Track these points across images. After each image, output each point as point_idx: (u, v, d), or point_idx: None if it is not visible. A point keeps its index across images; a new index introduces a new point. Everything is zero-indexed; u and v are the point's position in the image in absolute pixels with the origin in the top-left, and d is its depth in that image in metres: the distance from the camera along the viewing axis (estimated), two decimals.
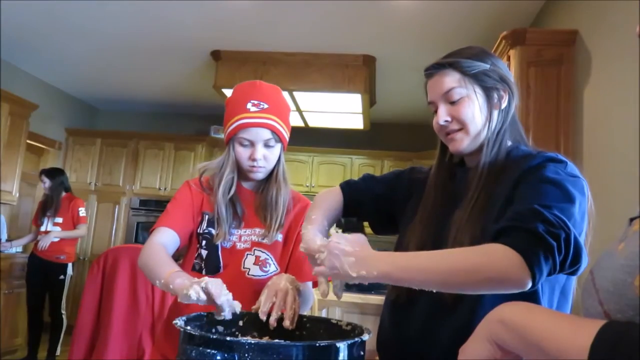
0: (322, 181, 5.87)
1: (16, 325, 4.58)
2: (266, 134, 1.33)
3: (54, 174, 4.52)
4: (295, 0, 3.45)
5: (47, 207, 4.42)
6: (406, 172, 1.27)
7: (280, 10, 3.61)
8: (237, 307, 1.04)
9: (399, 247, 1.15)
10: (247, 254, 1.37)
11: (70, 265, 4.47)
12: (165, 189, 5.88)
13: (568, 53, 2.70)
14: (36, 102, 4.96)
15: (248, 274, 1.36)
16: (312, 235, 1.05)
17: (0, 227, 4.73)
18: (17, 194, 4.86)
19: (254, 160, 1.34)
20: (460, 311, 0.96)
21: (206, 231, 1.36)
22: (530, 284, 0.82)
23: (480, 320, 0.68)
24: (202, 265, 1.36)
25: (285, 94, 4.28)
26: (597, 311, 0.59)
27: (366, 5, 3.46)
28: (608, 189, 2.17)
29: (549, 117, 2.65)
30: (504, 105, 1.07)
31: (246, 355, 0.78)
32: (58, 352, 4.36)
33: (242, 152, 1.35)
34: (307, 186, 5.84)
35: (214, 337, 0.83)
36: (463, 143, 1.06)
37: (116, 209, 5.92)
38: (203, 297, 1.00)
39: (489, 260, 0.83)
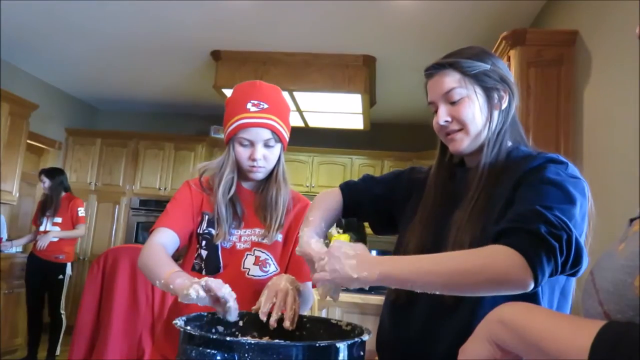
0: (322, 181, 5.87)
1: (16, 325, 4.58)
2: (266, 134, 1.33)
3: (54, 173, 4.52)
4: (295, 0, 3.45)
5: (47, 207, 4.42)
6: (406, 172, 1.28)
7: (280, 10, 3.61)
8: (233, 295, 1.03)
9: (399, 246, 1.14)
10: (247, 254, 1.37)
11: (69, 265, 4.47)
12: (165, 189, 5.88)
13: (568, 53, 2.70)
14: (36, 102, 4.96)
15: (248, 274, 1.36)
16: (307, 238, 1.06)
17: (0, 226, 4.72)
18: (17, 194, 4.86)
19: (253, 160, 1.34)
20: (460, 312, 0.96)
21: (206, 231, 1.36)
22: (532, 285, 0.82)
23: (480, 320, 0.67)
24: (202, 265, 1.36)
25: (285, 94, 4.28)
26: (597, 311, 0.59)
27: (366, 5, 3.46)
28: (608, 189, 2.17)
29: (549, 118, 2.65)
30: (504, 105, 1.07)
31: (246, 355, 0.78)
32: (58, 352, 4.36)
33: (242, 152, 1.35)
34: (307, 186, 5.84)
35: (214, 337, 0.83)
36: (463, 143, 1.06)
37: (116, 209, 5.92)
38: (203, 294, 1.00)
39: (492, 261, 0.83)
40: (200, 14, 3.74)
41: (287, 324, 1.08)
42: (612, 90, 2.32)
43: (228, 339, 0.81)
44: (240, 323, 1.09)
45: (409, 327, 1.04)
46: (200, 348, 0.82)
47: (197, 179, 1.42)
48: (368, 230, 1.37)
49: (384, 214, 1.26)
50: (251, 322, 1.10)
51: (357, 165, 5.90)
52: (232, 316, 1.03)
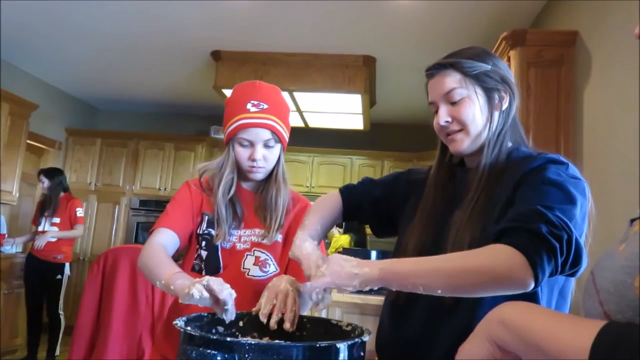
0: (322, 182, 5.86)
1: (16, 325, 4.58)
2: (266, 134, 1.33)
3: (53, 174, 4.52)
4: (295, 0, 3.45)
5: (46, 207, 4.42)
6: (404, 173, 1.28)
7: (280, 10, 3.61)
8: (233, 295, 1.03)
9: (399, 247, 1.14)
10: (247, 255, 1.37)
11: (67, 265, 4.47)
12: (165, 189, 5.88)
13: (568, 54, 2.70)
14: (36, 102, 4.96)
15: (248, 274, 1.36)
16: (300, 241, 1.07)
17: (0, 226, 4.73)
18: (17, 194, 4.86)
19: (253, 160, 1.34)
20: (460, 312, 0.96)
21: (206, 232, 1.36)
22: (532, 285, 0.82)
23: (479, 321, 0.67)
24: (202, 266, 1.36)
25: (286, 95, 4.28)
26: (597, 312, 0.59)
27: (366, 6, 3.46)
28: (608, 189, 2.17)
29: (549, 118, 2.65)
30: (504, 106, 1.07)
31: (246, 355, 0.78)
32: (57, 352, 4.36)
33: (242, 153, 1.35)
34: (307, 186, 5.84)
35: (214, 337, 0.83)
36: (463, 144, 1.06)
37: (116, 209, 5.92)
38: (206, 295, 1.00)
39: (493, 260, 0.83)
40: (200, 14, 3.74)
41: (287, 325, 1.08)
42: (612, 91, 2.32)
43: (228, 339, 0.81)
44: (241, 323, 1.09)
45: (409, 328, 1.04)
46: (201, 348, 0.82)
47: (196, 180, 1.42)
48: (368, 230, 1.37)
49: (383, 216, 1.26)
50: (251, 323, 1.10)
51: (357, 166, 5.90)
52: (229, 317, 1.03)
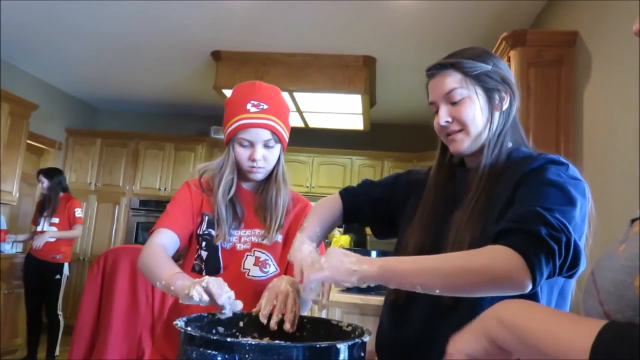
0: (322, 182, 5.86)
1: (16, 325, 4.58)
2: (266, 134, 1.33)
3: (52, 174, 4.52)
4: (295, 0, 3.45)
5: (45, 207, 4.42)
6: (404, 174, 1.28)
7: (280, 11, 3.61)
8: (239, 306, 1.04)
9: (399, 247, 1.14)
10: (247, 255, 1.37)
11: (66, 265, 4.46)
12: (165, 189, 5.88)
13: (568, 54, 2.70)
14: (36, 102, 4.96)
15: (248, 274, 1.36)
16: (299, 244, 1.06)
17: (0, 223, 4.73)
18: (17, 194, 4.86)
19: (253, 160, 1.34)
20: (460, 312, 0.96)
21: (206, 232, 1.36)
22: (530, 286, 0.82)
23: None
24: (202, 266, 1.36)
25: (286, 95, 4.28)
26: (597, 312, 0.59)
27: (366, 6, 3.46)
28: (608, 190, 2.17)
29: (549, 118, 2.65)
30: (505, 106, 1.07)
31: (247, 356, 0.78)
32: (57, 352, 4.36)
33: (242, 153, 1.35)
34: (307, 187, 5.84)
35: (215, 338, 0.83)
36: (464, 144, 1.06)
37: (116, 209, 5.92)
38: (206, 297, 1.00)
39: (492, 261, 0.83)
40: (200, 14, 3.74)
41: (287, 326, 1.08)
42: (612, 91, 2.32)
43: (229, 339, 0.81)
44: (241, 324, 1.09)
45: (409, 328, 1.04)
46: (201, 349, 0.82)
47: (196, 180, 1.42)
48: (368, 231, 1.37)
49: (383, 217, 1.26)
50: (252, 323, 1.10)
51: (357, 166, 5.90)
52: (225, 316, 1.03)
